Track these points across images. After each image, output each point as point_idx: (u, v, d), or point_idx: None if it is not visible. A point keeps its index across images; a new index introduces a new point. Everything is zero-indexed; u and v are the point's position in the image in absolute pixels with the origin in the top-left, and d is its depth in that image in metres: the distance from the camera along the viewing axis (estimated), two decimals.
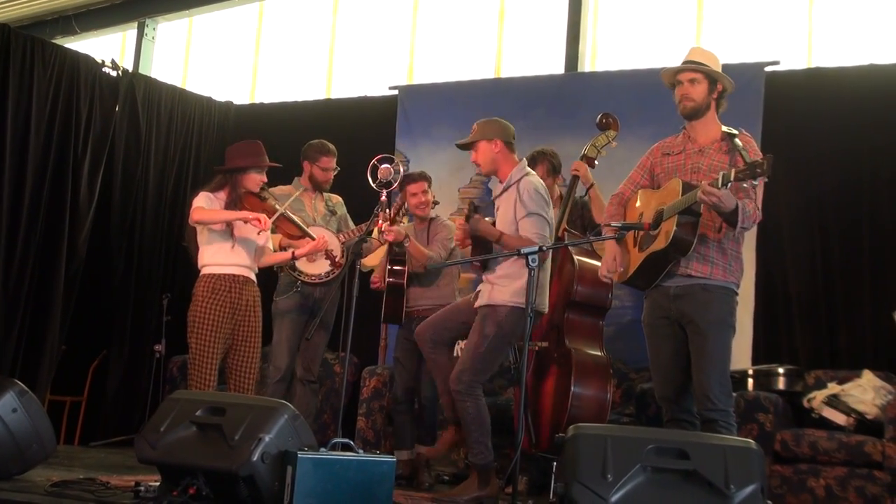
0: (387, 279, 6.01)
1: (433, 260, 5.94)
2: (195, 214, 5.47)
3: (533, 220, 5.05)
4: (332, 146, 6.28)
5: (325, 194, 6.32)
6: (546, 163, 5.97)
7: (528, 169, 5.28)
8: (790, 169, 6.48)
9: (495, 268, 5.12)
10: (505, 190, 5.21)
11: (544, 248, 4.40)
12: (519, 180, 5.16)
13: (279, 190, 6.12)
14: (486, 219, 5.32)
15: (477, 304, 5.21)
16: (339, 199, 6.42)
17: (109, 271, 8.08)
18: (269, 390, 5.94)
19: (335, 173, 6.30)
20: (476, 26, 8.85)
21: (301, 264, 5.96)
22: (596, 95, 7.49)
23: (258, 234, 5.49)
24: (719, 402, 4.20)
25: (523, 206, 5.07)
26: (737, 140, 4.30)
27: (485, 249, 5.21)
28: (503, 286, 5.05)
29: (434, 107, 8.28)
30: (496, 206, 5.30)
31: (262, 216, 5.39)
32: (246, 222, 5.39)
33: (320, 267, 5.99)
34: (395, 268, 6.03)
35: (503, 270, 5.08)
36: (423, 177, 6.23)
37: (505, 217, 5.16)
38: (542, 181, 5.31)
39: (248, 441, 3.75)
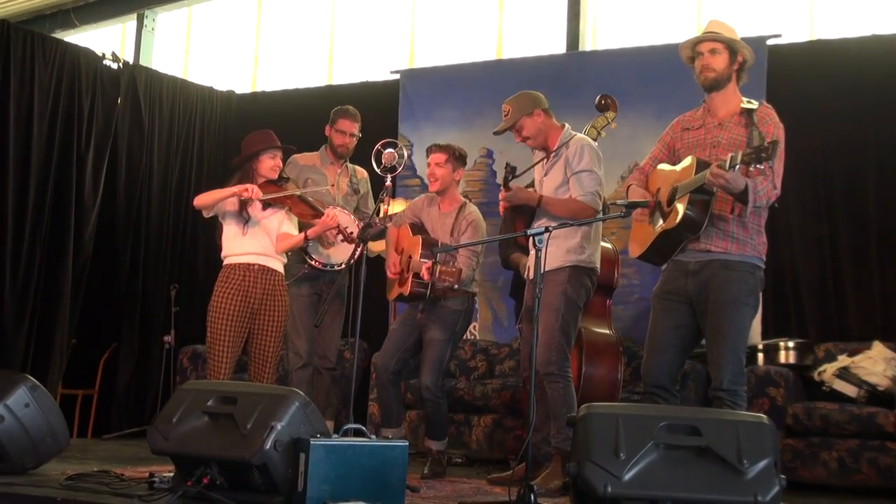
0: (412, 288, 5.59)
1: (465, 275, 5.45)
2: (194, 201, 5.59)
3: (580, 178, 5.02)
4: (354, 109, 6.17)
5: (350, 168, 6.21)
6: None
7: (573, 132, 5.24)
8: (794, 143, 6.46)
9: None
10: (555, 156, 5.17)
11: (550, 228, 4.37)
12: (567, 143, 5.13)
13: (303, 158, 6.09)
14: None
15: (531, 273, 5.14)
16: (365, 174, 6.28)
17: (117, 264, 8.10)
18: (293, 379, 5.84)
19: (356, 140, 6.17)
20: (476, 7, 8.82)
21: (311, 249, 5.87)
22: (597, 74, 7.47)
23: (261, 209, 5.49)
24: (727, 382, 4.18)
25: (570, 167, 5.05)
26: (754, 115, 4.28)
27: (527, 217, 5.17)
28: (554, 248, 4.91)
29: (436, 90, 8.27)
30: (542, 174, 5.26)
31: (251, 185, 5.42)
32: (239, 197, 5.44)
33: (336, 255, 5.90)
34: (420, 281, 5.59)
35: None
36: (442, 148, 5.80)
37: (554, 183, 5.14)
38: (591, 140, 5.28)
39: (260, 429, 3.76)
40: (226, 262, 5.56)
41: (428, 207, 5.89)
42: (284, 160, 5.75)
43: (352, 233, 5.70)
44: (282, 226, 5.63)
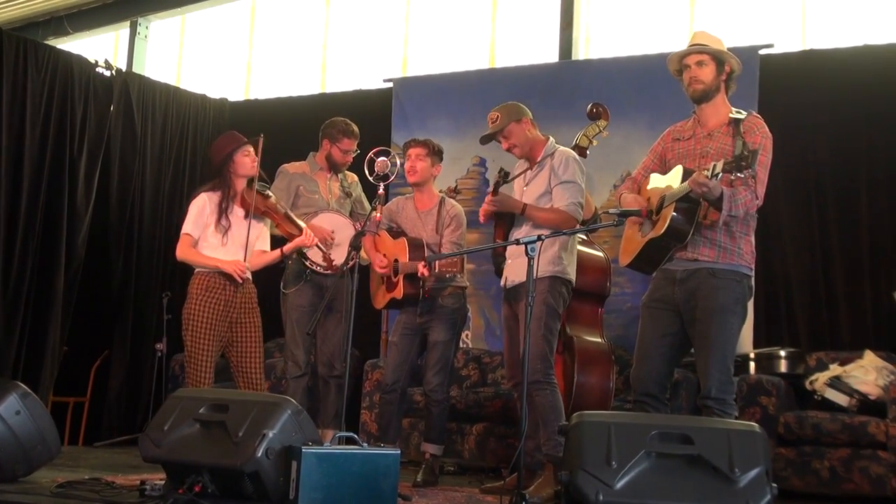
0: (405, 291, 5.65)
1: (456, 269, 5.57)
2: (178, 252, 5.57)
3: (565, 188, 5.11)
4: (355, 128, 6.05)
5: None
6: None
7: (557, 145, 5.32)
8: (786, 152, 6.49)
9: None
10: (539, 167, 5.24)
11: (543, 237, 4.37)
12: (552, 154, 5.22)
13: (293, 167, 6.04)
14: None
15: (510, 281, 5.24)
16: (356, 178, 6.23)
17: (109, 271, 8.08)
18: (289, 387, 5.80)
19: (355, 156, 6.09)
20: (469, 16, 8.83)
21: (312, 254, 5.81)
22: (590, 83, 7.48)
23: (242, 219, 5.51)
24: (715, 391, 4.19)
25: (556, 176, 5.14)
26: (741, 125, 4.30)
27: (507, 226, 5.23)
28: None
29: (429, 98, 8.28)
30: (523, 184, 5.30)
31: (239, 267, 5.44)
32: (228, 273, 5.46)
33: (334, 257, 5.86)
34: (412, 282, 5.65)
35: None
36: (420, 143, 5.82)
37: (537, 192, 5.20)
38: (575, 153, 5.37)
39: (251, 437, 3.76)
40: (201, 269, 5.52)
41: (403, 209, 5.91)
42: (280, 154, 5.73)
43: (333, 259, 5.73)
44: (258, 240, 5.64)
